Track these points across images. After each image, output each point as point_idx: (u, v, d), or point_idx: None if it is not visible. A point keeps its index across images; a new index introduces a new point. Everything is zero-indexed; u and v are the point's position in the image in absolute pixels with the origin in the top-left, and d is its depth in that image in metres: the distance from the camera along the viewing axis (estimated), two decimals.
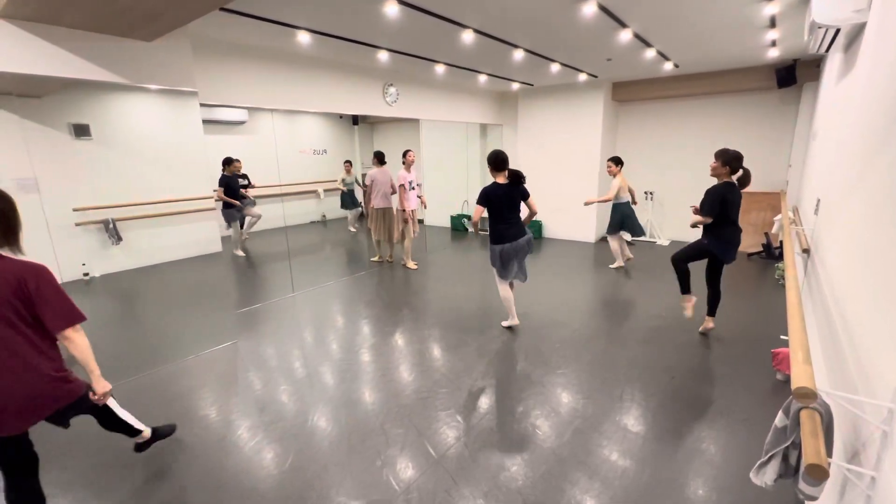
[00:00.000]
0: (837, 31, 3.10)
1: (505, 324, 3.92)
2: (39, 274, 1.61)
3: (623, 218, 5.52)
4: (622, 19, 3.69)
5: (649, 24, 3.89)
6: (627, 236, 6.04)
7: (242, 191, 6.25)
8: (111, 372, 3.18)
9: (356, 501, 2.01)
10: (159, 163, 5.24)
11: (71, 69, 2.72)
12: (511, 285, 3.86)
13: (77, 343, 1.69)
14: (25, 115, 3.79)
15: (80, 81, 2.78)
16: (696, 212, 3.61)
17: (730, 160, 3.25)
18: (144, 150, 5.18)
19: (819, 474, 1.08)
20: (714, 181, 3.39)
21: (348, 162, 7.77)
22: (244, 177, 6.53)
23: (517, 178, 3.51)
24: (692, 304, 3.64)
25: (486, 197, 3.48)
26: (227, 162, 6.00)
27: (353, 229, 8.12)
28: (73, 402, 1.76)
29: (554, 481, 2.11)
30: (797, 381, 1.14)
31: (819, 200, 3.09)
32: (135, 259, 5.29)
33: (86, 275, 4.95)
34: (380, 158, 5.71)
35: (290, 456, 2.33)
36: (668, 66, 5.61)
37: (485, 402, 2.81)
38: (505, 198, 3.49)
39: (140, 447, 2.33)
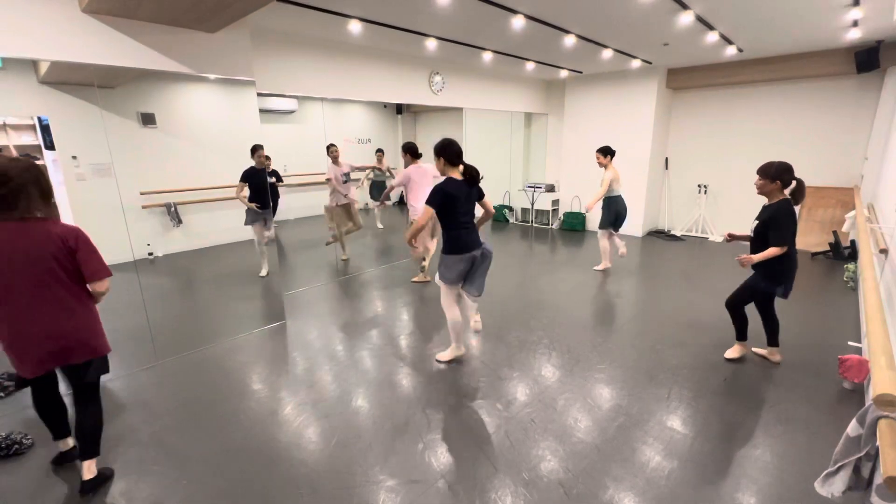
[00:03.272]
0: None
1: (445, 357, 3.17)
2: (78, 234, 1.85)
3: (618, 213, 4.97)
4: (684, 1, 3.49)
5: (713, 5, 3.65)
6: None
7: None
8: (174, 345, 3.44)
9: (398, 480, 2.07)
10: (217, 150, 5.52)
11: (145, 60, 2.91)
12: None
13: (101, 290, 1.96)
14: (102, 104, 4.10)
15: (152, 72, 2.97)
16: (731, 238, 3.11)
17: (780, 173, 2.76)
18: (204, 137, 5.48)
19: None
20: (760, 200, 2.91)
21: (380, 151, 7.34)
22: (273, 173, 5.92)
23: (474, 179, 2.86)
24: (741, 352, 3.20)
25: (443, 196, 2.74)
26: (253, 150, 4.68)
27: (381, 226, 7.86)
28: (101, 356, 2.02)
29: (597, 476, 2.08)
30: (879, 387, 1.06)
31: None
32: (193, 241, 5.64)
33: (150, 254, 5.33)
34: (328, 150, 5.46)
35: (337, 433, 2.42)
36: (730, 51, 5.26)
37: (525, 392, 2.80)
38: (462, 197, 2.81)
39: (60, 458, 2.20)
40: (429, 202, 2.74)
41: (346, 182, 5.53)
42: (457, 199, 2.78)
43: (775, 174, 2.79)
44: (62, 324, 1.86)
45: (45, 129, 4.46)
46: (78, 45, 2.66)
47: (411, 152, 4.53)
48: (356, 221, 5.80)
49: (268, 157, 6.13)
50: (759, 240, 2.89)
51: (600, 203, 5.04)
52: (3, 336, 1.84)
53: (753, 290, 2.99)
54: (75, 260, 1.85)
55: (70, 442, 2.20)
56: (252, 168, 4.64)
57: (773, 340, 3.11)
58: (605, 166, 4.93)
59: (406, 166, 4.60)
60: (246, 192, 4.70)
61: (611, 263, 5.31)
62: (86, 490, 2.02)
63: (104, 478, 2.10)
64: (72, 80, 4.18)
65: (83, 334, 1.93)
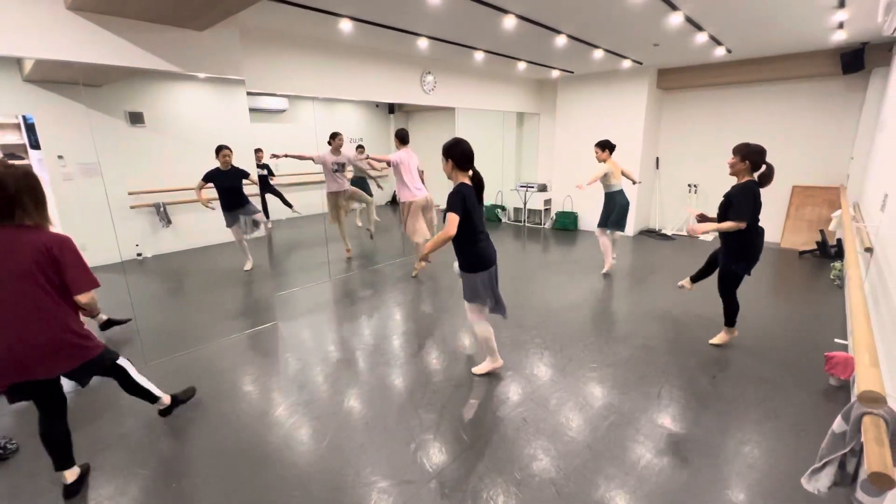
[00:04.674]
0: None
1: (481, 370, 3.00)
2: (63, 243, 1.82)
3: (617, 209, 4.82)
4: (673, 1, 3.52)
5: (702, 7, 3.68)
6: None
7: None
8: (163, 347, 3.40)
9: (390, 481, 2.07)
10: (207, 149, 5.46)
11: (132, 58, 2.87)
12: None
13: (84, 301, 1.90)
14: (88, 103, 4.04)
15: (140, 70, 2.93)
16: (703, 218, 3.21)
17: (750, 154, 2.90)
18: (193, 136, 5.42)
19: (884, 483, 1.02)
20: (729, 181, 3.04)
21: (360, 147, 7.17)
22: (264, 167, 6.09)
23: (482, 184, 2.60)
24: (724, 339, 3.34)
25: (464, 201, 2.46)
26: (217, 150, 4.64)
27: (361, 224, 7.75)
28: (92, 359, 1.99)
29: (588, 474, 2.09)
30: (863, 384, 1.08)
31: (887, 195, 2.87)
32: (183, 241, 5.58)
33: (139, 255, 5.27)
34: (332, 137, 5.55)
35: (328, 434, 2.41)
36: (719, 52, 5.32)
37: (518, 391, 2.80)
38: (477, 204, 2.56)
39: (163, 412, 2.57)
40: (453, 209, 2.42)
41: (336, 171, 5.47)
42: (475, 207, 2.50)
43: (745, 154, 2.93)
44: (46, 337, 1.82)
45: (30, 128, 4.39)
46: (63, 43, 2.62)
47: (401, 139, 4.80)
48: (362, 198, 5.88)
49: (259, 150, 6.10)
50: (722, 215, 3.03)
51: (601, 198, 4.93)
52: None
53: (726, 273, 3.14)
54: (60, 270, 1.80)
55: (72, 476, 2.04)
56: (216, 169, 4.64)
57: (730, 321, 3.29)
58: (604, 161, 4.80)
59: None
60: (208, 194, 4.69)
61: (614, 260, 5.13)
62: (71, 493, 2.01)
63: (84, 474, 2.12)
64: (57, 78, 4.11)
65: (66, 345, 1.88)
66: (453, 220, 2.42)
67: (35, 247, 1.75)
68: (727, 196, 3.01)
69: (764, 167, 2.94)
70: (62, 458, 2.02)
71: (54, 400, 1.98)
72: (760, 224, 3.02)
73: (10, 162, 1.79)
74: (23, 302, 1.76)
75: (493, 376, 2.98)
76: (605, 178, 4.81)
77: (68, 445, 2.04)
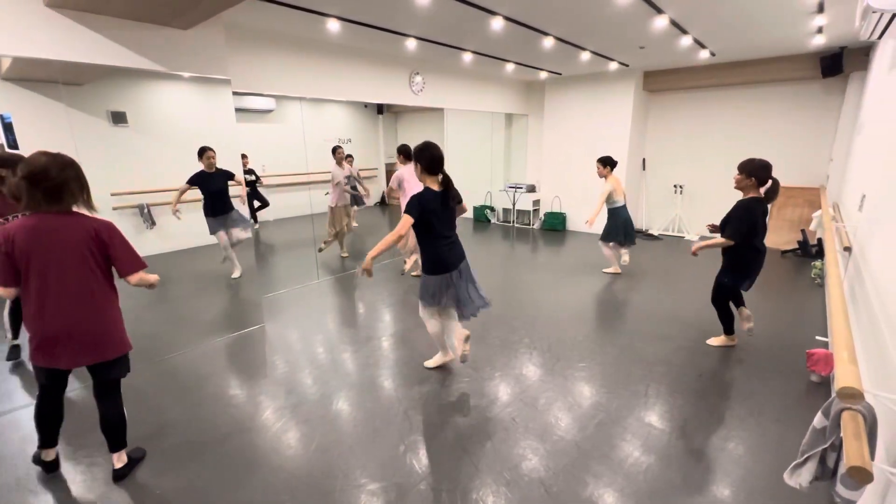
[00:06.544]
0: (893, 16, 2.93)
1: (432, 363, 3.08)
2: (111, 227, 1.90)
3: (622, 224, 4.92)
4: (658, 5, 3.57)
5: (687, 10, 3.75)
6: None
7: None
8: (149, 352, 3.34)
9: (379, 483, 2.06)
10: (192, 150, 5.37)
11: (114, 57, 2.81)
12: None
13: (134, 282, 1.96)
14: (69, 102, 3.95)
15: (121, 69, 2.87)
16: (714, 228, 3.21)
17: (756, 171, 2.88)
18: (178, 137, 5.33)
19: (862, 477, 1.05)
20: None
21: (349, 156, 7.05)
22: (250, 172, 6.21)
23: (450, 186, 2.63)
24: (724, 342, 3.35)
25: (420, 207, 2.52)
26: (201, 152, 4.53)
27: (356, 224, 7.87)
28: (122, 355, 2.03)
29: (577, 473, 2.11)
30: (842, 381, 1.10)
31: (864, 196, 2.95)
32: (168, 243, 5.47)
33: None
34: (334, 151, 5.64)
35: (317, 437, 2.39)
36: (703, 55, 5.41)
37: (507, 392, 2.81)
38: (441, 209, 2.60)
39: (118, 474, 2.13)
40: (407, 211, 2.52)
41: (347, 184, 5.68)
42: (433, 213, 2.55)
43: (751, 170, 2.93)
44: (93, 320, 1.88)
45: (8, 128, 4.27)
46: (41, 41, 2.56)
47: (405, 154, 4.72)
48: (350, 224, 6.01)
49: (244, 156, 6.06)
50: (723, 231, 3.06)
51: (604, 212, 4.93)
52: (36, 327, 1.83)
53: (716, 282, 3.18)
54: (107, 254, 1.88)
55: (53, 454, 2.13)
56: (201, 172, 4.50)
57: (726, 329, 3.32)
58: (605, 177, 4.81)
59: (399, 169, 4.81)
60: (190, 195, 4.59)
61: (619, 269, 5.20)
62: (119, 476, 2.11)
63: (135, 460, 2.20)
64: (36, 76, 4.01)
65: (112, 331, 1.95)
66: (407, 221, 2.53)
67: (86, 231, 1.82)
68: (728, 212, 3.03)
69: (769, 182, 2.93)
70: (51, 437, 2.10)
71: (62, 387, 2.04)
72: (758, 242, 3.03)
73: (55, 152, 1.81)
74: (75, 285, 1.82)
75: (484, 377, 2.98)
76: (608, 195, 4.83)
77: (59, 425, 2.11)
